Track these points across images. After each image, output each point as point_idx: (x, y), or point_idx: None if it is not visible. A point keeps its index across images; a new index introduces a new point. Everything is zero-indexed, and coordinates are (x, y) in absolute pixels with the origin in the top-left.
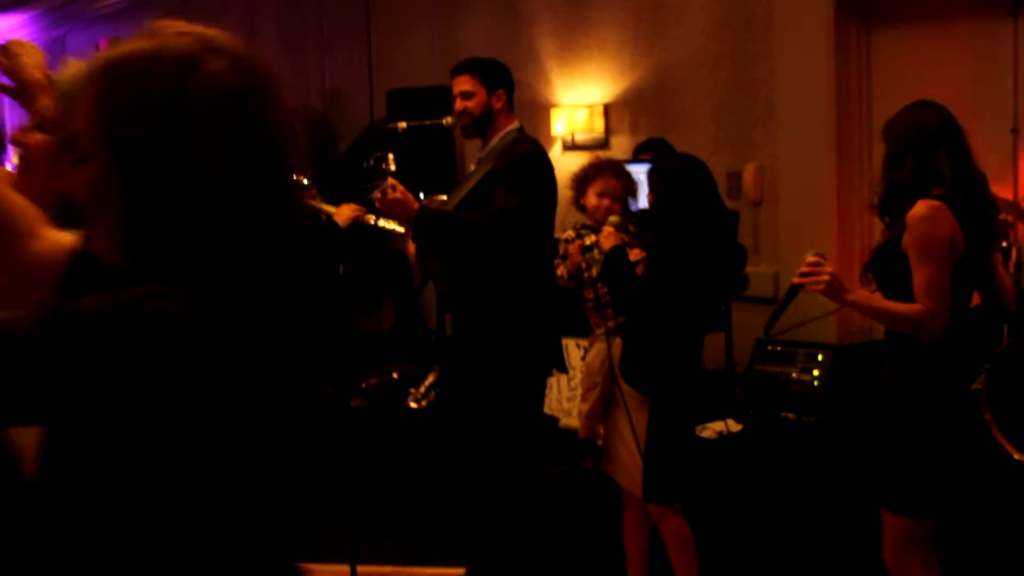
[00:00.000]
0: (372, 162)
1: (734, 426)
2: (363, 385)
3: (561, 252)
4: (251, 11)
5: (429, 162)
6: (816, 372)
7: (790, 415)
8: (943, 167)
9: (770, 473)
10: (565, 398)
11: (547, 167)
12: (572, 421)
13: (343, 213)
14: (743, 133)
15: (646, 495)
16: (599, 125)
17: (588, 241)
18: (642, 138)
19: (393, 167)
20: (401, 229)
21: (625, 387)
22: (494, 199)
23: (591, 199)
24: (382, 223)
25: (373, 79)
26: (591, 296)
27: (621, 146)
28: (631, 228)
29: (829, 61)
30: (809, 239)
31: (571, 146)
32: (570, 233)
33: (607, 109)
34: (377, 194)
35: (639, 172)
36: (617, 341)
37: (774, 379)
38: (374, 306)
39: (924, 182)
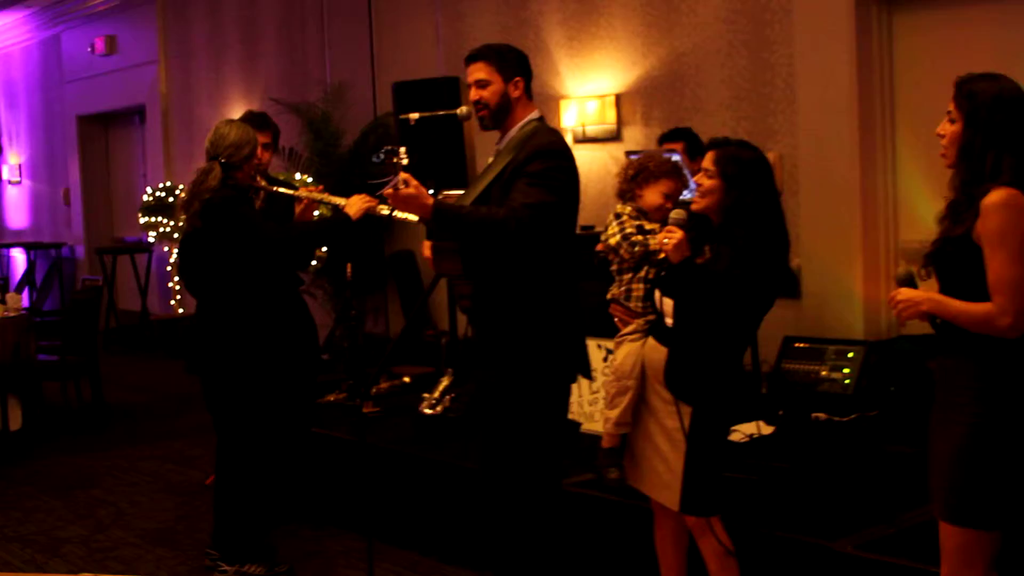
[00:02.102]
0: (382, 156)
1: (766, 428)
2: (373, 390)
3: (625, 227)
4: (250, 4)
5: (437, 155)
6: (847, 370)
7: (821, 415)
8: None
9: (807, 478)
10: (587, 401)
11: (569, 159)
12: (595, 426)
13: (354, 205)
14: (761, 122)
15: (684, 506)
16: (611, 116)
17: (648, 227)
18: (656, 129)
19: (406, 160)
20: (414, 217)
21: (661, 392)
22: (514, 193)
23: (654, 198)
24: (397, 214)
25: (376, 72)
26: (620, 290)
27: (634, 138)
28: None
29: (850, 45)
30: (832, 231)
31: (582, 138)
32: (632, 211)
33: (619, 99)
34: (389, 190)
35: None
36: (650, 342)
37: (803, 378)
38: (380, 307)
39: (1001, 173)
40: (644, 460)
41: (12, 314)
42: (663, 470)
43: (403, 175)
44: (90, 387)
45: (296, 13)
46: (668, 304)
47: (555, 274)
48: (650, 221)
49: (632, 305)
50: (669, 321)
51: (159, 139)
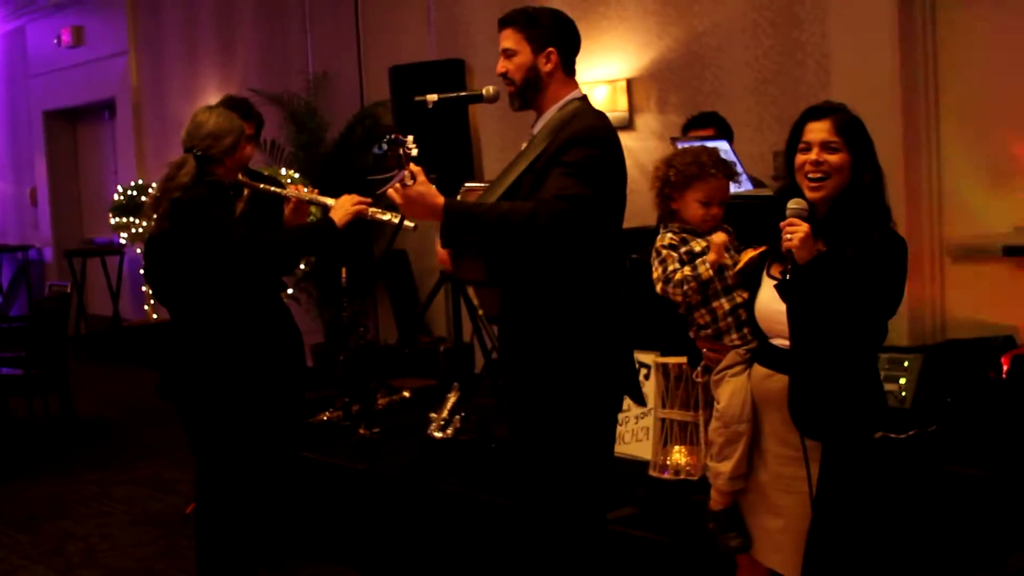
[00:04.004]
0: (385, 146)
1: None
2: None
3: (666, 265)
4: None
5: (438, 143)
6: (903, 380)
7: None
8: None
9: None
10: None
11: (614, 147)
12: (630, 449)
13: (340, 208)
14: (792, 107)
15: (808, 572)
16: (622, 103)
17: (697, 248)
18: (672, 116)
19: (415, 151)
20: (411, 224)
21: (779, 431)
22: (547, 184)
23: (691, 210)
24: (407, 222)
25: (363, 59)
26: (707, 320)
27: (648, 126)
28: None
29: (891, 23)
30: None
31: None
32: (672, 238)
33: (630, 85)
34: (395, 186)
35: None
36: (758, 372)
37: None
38: (369, 311)
39: None
40: (752, 518)
41: None
42: (776, 529)
43: (411, 167)
44: (58, 402)
45: None
46: (775, 323)
47: (597, 281)
48: (700, 237)
49: (727, 341)
50: (782, 342)
51: (130, 135)
